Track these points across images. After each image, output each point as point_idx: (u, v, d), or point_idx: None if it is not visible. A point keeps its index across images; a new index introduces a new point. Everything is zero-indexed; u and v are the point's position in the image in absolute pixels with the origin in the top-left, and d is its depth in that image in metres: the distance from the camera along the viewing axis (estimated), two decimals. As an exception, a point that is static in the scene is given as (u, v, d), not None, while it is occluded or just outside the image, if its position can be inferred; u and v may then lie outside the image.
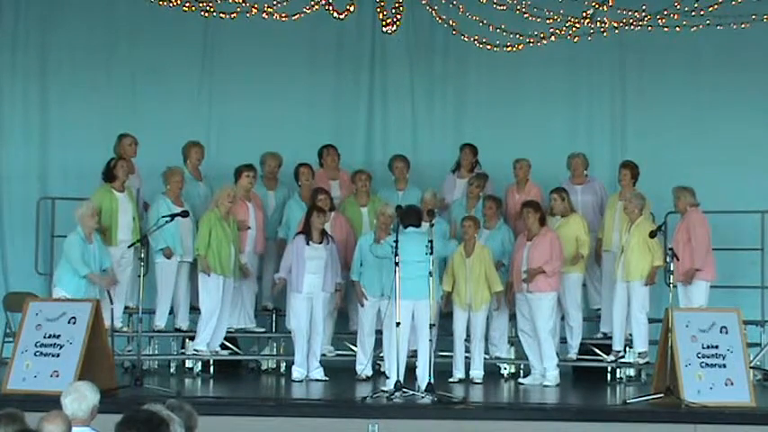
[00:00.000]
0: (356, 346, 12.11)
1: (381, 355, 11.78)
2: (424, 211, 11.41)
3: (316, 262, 11.55)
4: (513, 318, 12.27)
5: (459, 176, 12.97)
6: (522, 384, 11.67)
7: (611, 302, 12.18)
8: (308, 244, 11.55)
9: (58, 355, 10.26)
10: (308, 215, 11.69)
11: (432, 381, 10.50)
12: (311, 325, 11.62)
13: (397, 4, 11.83)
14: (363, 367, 11.82)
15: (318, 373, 11.65)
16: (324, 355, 12.15)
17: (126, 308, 12.26)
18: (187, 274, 12.28)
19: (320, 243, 11.59)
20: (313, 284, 11.57)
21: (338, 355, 12.41)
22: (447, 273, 11.66)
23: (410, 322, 10.94)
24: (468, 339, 11.77)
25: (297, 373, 11.64)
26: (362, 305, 11.72)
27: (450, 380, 11.62)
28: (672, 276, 10.66)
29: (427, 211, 11.41)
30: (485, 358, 11.92)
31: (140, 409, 4.52)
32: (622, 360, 12.10)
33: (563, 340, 12.13)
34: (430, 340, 10.73)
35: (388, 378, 10.90)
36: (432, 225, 11.17)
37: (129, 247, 11.86)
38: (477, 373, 11.74)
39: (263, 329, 12.68)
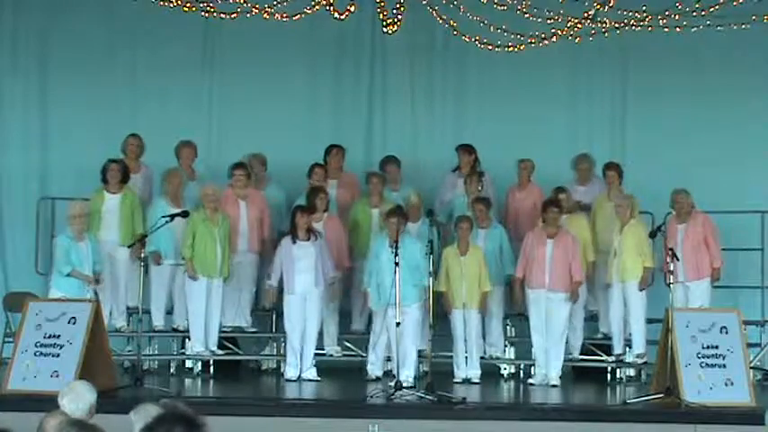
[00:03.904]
0: (358, 346, 12.16)
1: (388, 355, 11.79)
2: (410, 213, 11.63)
3: (305, 261, 11.51)
4: (507, 317, 12.28)
5: (459, 176, 12.96)
6: (533, 385, 11.57)
7: (606, 303, 12.21)
8: (294, 243, 11.53)
9: (58, 356, 10.27)
10: (293, 215, 11.68)
11: (427, 380, 10.51)
12: (306, 325, 11.60)
13: (397, 5, 11.82)
14: (373, 367, 11.77)
15: (311, 373, 11.61)
16: (331, 355, 12.17)
17: (126, 308, 12.30)
18: (183, 275, 12.25)
19: (307, 240, 11.57)
20: (305, 283, 11.53)
21: (345, 355, 12.39)
22: (441, 273, 11.62)
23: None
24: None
25: (290, 372, 11.62)
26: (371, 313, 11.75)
27: (455, 380, 11.60)
28: (671, 276, 10.66)
29: (428, 212, 11.45)
30: (483, 358, 11.92)
31: (178, 408, 4.57)
32: (622, 360, 12.09)
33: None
34: (430, 340, 10.74)
35: (394, 378, 10.85)
36: (432, 225, 11.21)
37: (128, 247, 11.88)
38: (475, 372, 11.73)
39: (255, 330, 12.64)
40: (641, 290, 11.69)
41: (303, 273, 11.51)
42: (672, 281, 10.68)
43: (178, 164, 12.67)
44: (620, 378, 12.18)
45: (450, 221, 12.35)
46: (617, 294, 11.82)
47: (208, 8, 11.98)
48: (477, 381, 11.67)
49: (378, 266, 11.29)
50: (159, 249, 12.04)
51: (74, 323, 10.38)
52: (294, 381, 11.55)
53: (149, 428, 4.47)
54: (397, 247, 10.62)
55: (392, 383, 10.52)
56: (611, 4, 11.65)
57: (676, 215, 11.85)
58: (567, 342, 11.94)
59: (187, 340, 12.23)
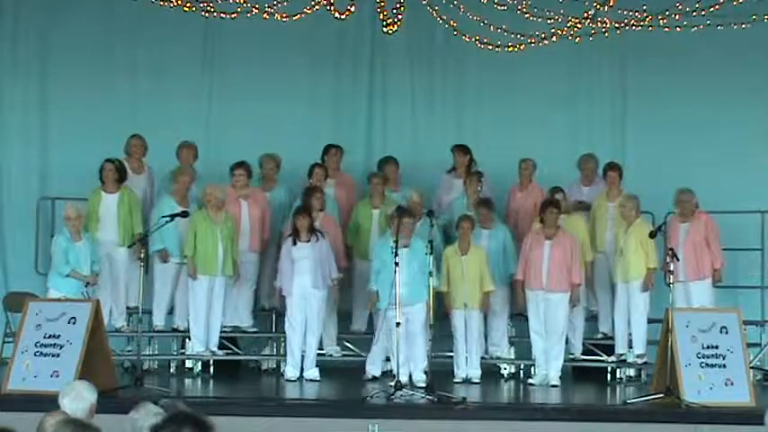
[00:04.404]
0: (356, 346, 12.18)
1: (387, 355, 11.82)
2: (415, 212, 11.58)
3: (303, 262, 11.49)
4: (512, 317, 12.27)
5: (455, 177, 12.96)
6: (533, 385, 11.58)
7: (606, 303, 12.23)
8: (294, 244, 11.53)
9: (58, 356, 10.28)
10: (293, 216, 11.69)
11: (430, 381, 10.51)
12: (307, 326, 11.59)
13: (397, 5, 11.82)
14: (372, 366, 11.74)
15: (313, 373, 11.61)
16: (330, 355, 12.17)
17: (126, 308, 12.31)
18: (187, 274, 12.25)
19: (307, 242, 11.56)
20: (303, 285, 11.52)
21: (344, 355, 12.38)
22: (442, 272, 11.61)
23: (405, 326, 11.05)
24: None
25: (289, 372, 11.63)
26: (372, 312, 11.69)
27: (455, 380, 11.60)
28: (671, 276, 10.66)
29: (428, 212, 11.45)
30: (484, 358, 11.92)
31: (186, 410, 4.59)
32: (622, 360, 12.09)
33: (566, 340, 12.11)
34: (430, 340, 10.75)
35: (395, 377, 10.82)
36: (432, 225, 11.22)
37: (128, 246, 11.89)
38: (475, 372, 11.72)
39: (255, 330, 12.64)
40: (645, 290, 11.69)
41: (302, 275, 11.50)
42: (672, 281, 10.67)
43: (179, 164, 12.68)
44: (620, 378, 12.17)
45: (451, 222, 12.32)
46: (621, 295, 11.82)
47: (208, 8, 11.99)
48: (477, 381, 11.66)
49: (385, 266, 11.21)
50: (166, 247, 12.05)
51: (74, 323, 10.39)
52: (294, 381, 11.56)
53: (158, 428, 4.48)
54: (396, 247, 10.62)
55: (392, 383, 10.51)
56: (611, 4, 11.66)
57: (680, 214, 11.84)
58: (567, 342, 11.97)
59: (187, 340, 12.23)
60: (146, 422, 5.59)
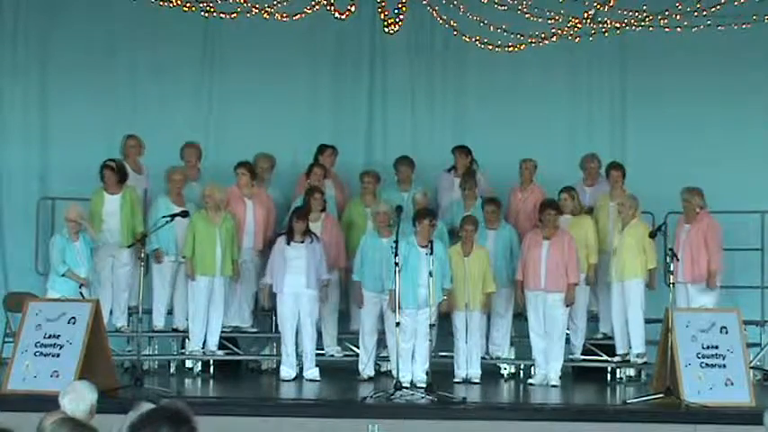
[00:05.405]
0: (357, 346, 12.11)
1: (382, 355, 11.81)
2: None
3: (296, 261, 11.50)
4: (515, 318, 12.27)
5: (455, 175, 12.95)
6: (533, 385, 11.59)
7: (607, 303, 12.21)
8: (288, 244, 11.54)
9: (58, 356, 10.28)
10: (290, 217, 11.69)
11: (430, 381, 10.51)
12: (300, 325, 11.59)
13: (399, 4, 11.81)
14: (364, 367, 11.77)
15: (313, 373, 11.61)
16: (332, 355, 12.17)
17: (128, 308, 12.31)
18: (185, 274, 12.26)
19: (302, 243, 11.56)
20: (295, 284, 11.53)
21: (345, 355, 12.37)
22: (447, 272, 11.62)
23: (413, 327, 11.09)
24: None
25: (285, 372, 11.63)
26: (360, 307, 11.71)
27: (455, 380, 11.59)
28: (671, 276, 10.67)
29: (428, 211, 11.45)
30: (484, 358, 11.92)
31: (165, 404, 4.53)
32: (626, 360, 12.07)
33: (566, 340, 12.11)
34: (430, 340, 10.77)
35: (394, 378, 10.83)
36: (433, 225, 11.21)
37: (128, 247, 11.89)
38: (475, 372, 11.72)
39: (255, 330, 12.64)
40: (651, 289, 11.69)
41: (294, 274, 11.51)
42: (672, 281, 10.68)
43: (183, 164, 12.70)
44: (620, 378, 12.18)
45: (452, 223, 12.32)
46: (617, 294, 11.82)
47: (208, 8, 11.99)
48: (477, 381, 11.66)
49: (406, 264, 11.04)
50: (161, 247, 12.05)
51: (74, 323, 10.39)
52: (289, 381, 11.55)
53: (136, 427, 4.43)
54: (396, 247, 10.61)
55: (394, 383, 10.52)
56: (611, 4, 11.66)
57: (684, 214, 11.86)
58: (568, 342, 11.97)
59: (187, 340, 12.24)
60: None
